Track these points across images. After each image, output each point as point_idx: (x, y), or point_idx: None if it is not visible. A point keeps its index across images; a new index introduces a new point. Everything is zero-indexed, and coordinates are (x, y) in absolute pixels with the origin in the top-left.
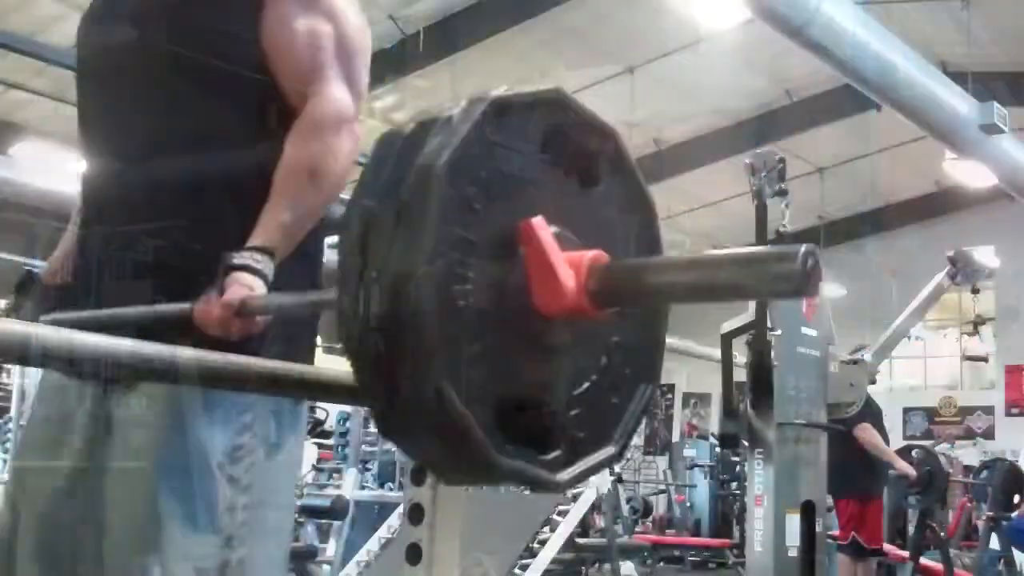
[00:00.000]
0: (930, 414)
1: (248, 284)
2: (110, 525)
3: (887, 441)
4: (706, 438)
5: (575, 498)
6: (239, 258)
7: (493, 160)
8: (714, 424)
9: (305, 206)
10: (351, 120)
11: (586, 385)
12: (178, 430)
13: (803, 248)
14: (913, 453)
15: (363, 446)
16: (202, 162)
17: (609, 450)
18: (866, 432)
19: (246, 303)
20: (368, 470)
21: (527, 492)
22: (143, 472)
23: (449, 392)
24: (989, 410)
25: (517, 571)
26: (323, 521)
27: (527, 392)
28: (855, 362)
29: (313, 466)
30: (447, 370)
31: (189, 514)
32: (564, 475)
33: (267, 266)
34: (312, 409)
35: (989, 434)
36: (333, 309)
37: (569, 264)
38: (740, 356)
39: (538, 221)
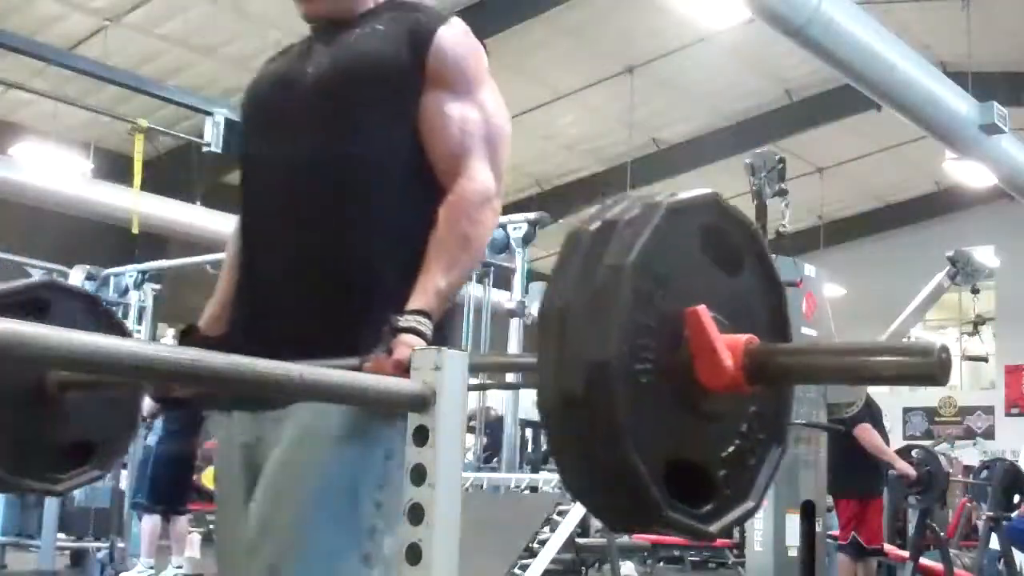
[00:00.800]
0: (930, 414)
1: (412, 345)
2: (268, 549)
3: (887, 441)
4: None
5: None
6: (405, 321)
7: (666, 255)
8: None
9: (457, 273)
10: (494, 198)
11: (731, 448)
12: (333, 458)
13: (939, 344)
14: (913, 453)
15: None
16: (364, 228)
17: (749, 504)
18: (866, 432)
19: None
20: None
21: (527, 492)
22: (301, 497)
23: (635, 458)
24: (989, 410)
25: (517, 571)
26: None
27: (688, 454)
28: None
29: None
30: (633, 438)
31: (341, 538)
32: (715, 526)
33: (428, 328)
34: None
35: (989, 434)
36: (488, 370)
37: (727, 346)
38: None
39: (702, 309)
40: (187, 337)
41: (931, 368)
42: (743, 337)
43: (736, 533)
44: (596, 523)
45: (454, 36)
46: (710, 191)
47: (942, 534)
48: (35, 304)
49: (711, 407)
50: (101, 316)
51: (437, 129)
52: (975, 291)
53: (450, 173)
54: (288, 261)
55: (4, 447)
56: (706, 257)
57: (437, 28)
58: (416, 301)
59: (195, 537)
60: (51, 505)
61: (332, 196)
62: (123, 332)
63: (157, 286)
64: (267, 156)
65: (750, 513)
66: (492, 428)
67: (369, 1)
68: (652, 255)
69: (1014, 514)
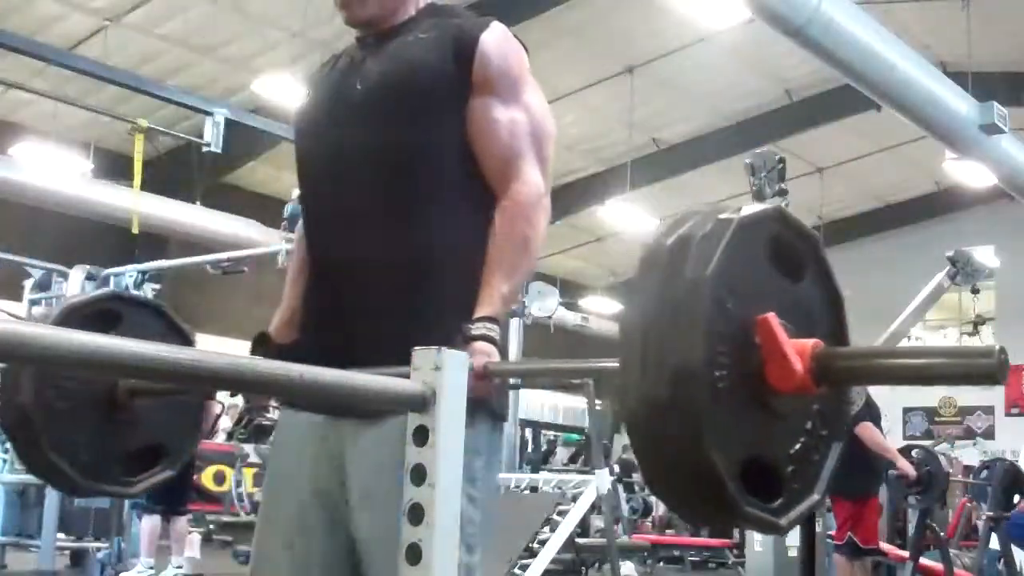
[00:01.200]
0: (930, 414)
1: (486, 351)
2: (368, 546)
3: None
4: None
5: (575, 498)
6: (476, 329)
7: (738, 267)
8: None
9: (519, 275)
10: (545, 196)
11: (798, 445)
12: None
13: (997, 347)
14: (913, 453)
15: None
16: (425, 231)
17: (814, 497)
18: (868, 430)
19: (488, 368)
20: None
21: (527, 492)
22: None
23: (716, 458)
24: (989, 410)
25: (517, 571)
26: None
27: (760, 451)
28: None
29: None
30: (713, 439)
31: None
32: (785, 520)
33: (498, 333)
34: None
35: (989, 434)
36: (558, 378)
37: (796, 350)
38: None
39: (772, 316)
40: (261, 346)
41: (992, 368)
42: (810, 341)
43: (736, 533)
44: (596, 523)
45: (496, 41)
46: (776, 205)
47: (942, 534)
48: (106, 315)
49: (780, 407)
50: (168, 324)
51: (486, 133)
52: (975, 291)
53: (502, 176)
54: (352, 266)
55: (80, 454)
56: (772, 266)
57: (480, 35)
58: (484, 308)
59: (195, 537)
60: (51, 505)
61: (391, 202)
62: (186, 339)
63: (157, 286)
64: (324, 169)
65: (816, 505)
66: None
67: (410, 8)
68: (726, 267)
69: (1013, 511)
